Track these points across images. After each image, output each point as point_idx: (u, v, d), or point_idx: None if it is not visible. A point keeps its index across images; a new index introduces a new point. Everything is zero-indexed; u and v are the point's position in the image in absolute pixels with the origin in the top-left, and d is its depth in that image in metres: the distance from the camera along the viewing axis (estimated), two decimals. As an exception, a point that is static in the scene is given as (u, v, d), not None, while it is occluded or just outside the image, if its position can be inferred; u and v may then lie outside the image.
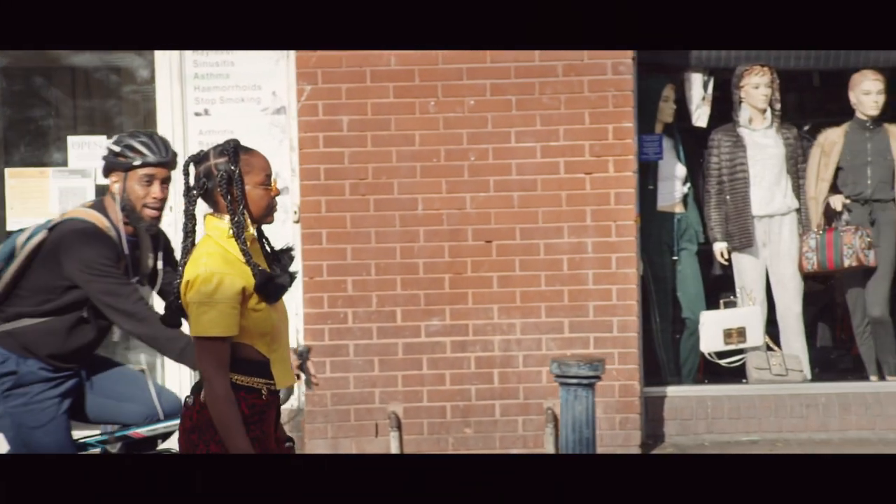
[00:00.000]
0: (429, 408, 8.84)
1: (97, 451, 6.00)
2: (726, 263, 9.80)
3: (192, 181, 4.70)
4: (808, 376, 9.79)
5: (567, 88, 8.85)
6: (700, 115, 10.06)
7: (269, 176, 4.71)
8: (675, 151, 9.80)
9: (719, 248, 9.69)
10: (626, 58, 8.83)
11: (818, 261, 9.68)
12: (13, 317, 5.83)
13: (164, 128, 9.19)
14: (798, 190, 9.78)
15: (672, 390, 9.45)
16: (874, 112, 9.61)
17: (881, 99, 9.65)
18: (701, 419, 9.36)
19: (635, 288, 8.96)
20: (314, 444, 8.87)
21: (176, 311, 4.74)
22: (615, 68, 8.86)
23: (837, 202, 9.67)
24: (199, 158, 4.71)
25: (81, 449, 6.01)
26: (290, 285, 4.75)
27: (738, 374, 9.66)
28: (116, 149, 5.84)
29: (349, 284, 8.82)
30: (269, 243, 4.84)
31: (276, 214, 4.85)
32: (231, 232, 4.62)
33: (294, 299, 9.07)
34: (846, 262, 9.54)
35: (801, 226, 9.69)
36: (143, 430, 5.92)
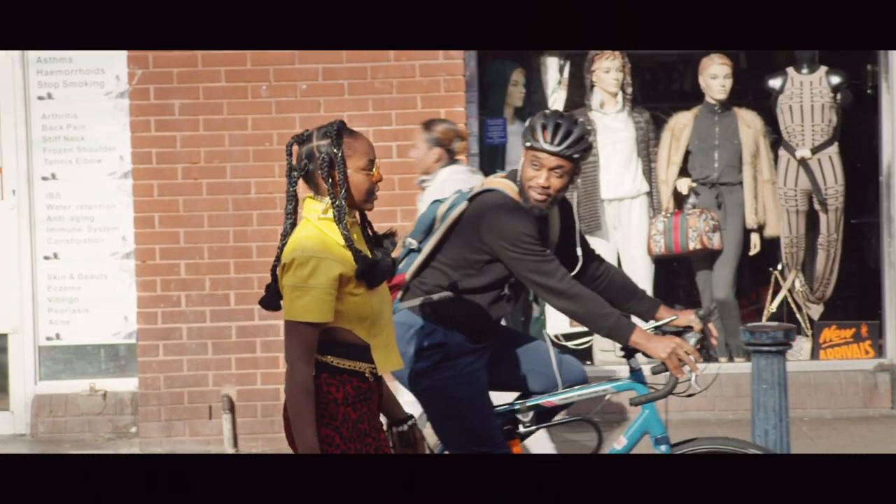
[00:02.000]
0: (262, 391, 8.36)
1: (504, 419, 5.51)
2: None
3: (294, 162, 4.39)
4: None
5: (399, 73, 8.38)
6: (556, 100, 9.70)
7: (371, 161, 4.39)
8: None
9: None
10: (457, 42, 8.48)
11: (665, 244, 9.28)
12: (433, 289, 5.34)
13: (6, 112, 8.74)
14: (650, 173, 9.39)
15: None
16: (722, 96, 9.13)
17: (728, 83, 9.15)
18: None
19: None
20: (147, 426, 8.43)
21: (274, 293, 4.42)
22: (447, 53, 8.34)
23: (683, 185, 9.19)
24: (302, 139, 4.39)
25: (497, 419, 5.53)
26: (393, 271, 4.52)
27: (588, 356, 9.39)
28: (526, 124, 5.36)
29: (182, 268, 8.36)
30: (370, 227, 4.52)
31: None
32: (331, 215, 4.33)
33: (127, 283, 8.87)
34: (691, 245, 9.10)
35: (653, 209, 9.32)
36: (555, 399, 5.45)
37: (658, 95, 10.04)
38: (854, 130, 9.43)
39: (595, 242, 9.19)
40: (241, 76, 8.39)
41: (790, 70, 9.18)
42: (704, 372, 5.38)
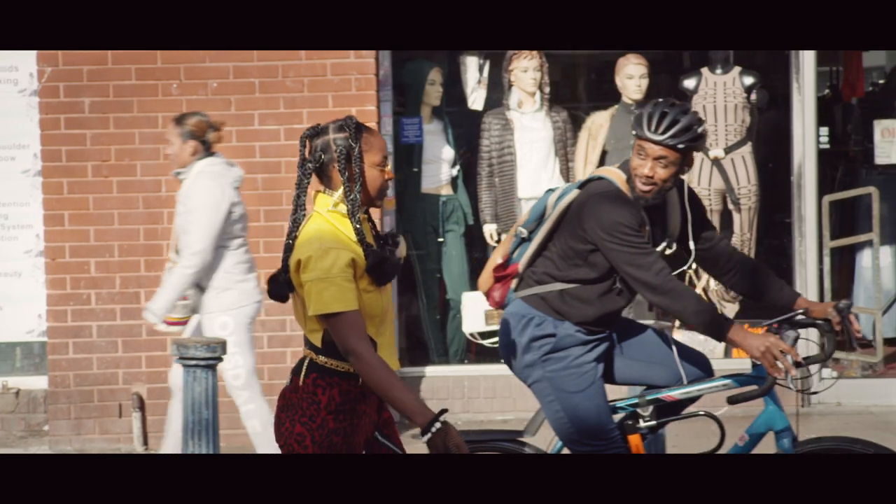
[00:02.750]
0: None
1: (625, 414, 5.30)
2: (496, 245, 9.41)
3: (307, 154, 4.28)
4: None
5: (310, 72, 8.20)
6: (476, 99, 9.55)
7: (385, 157, 4.32)
8: (445, 135, 9.18)
9: (489, 229, 9.06)
10: (368, 41, 8.37)
11: None
12: (543, 278, 5.16)
13: (-82, 109, 8.76)
14: (567, 172, 9.24)
15: (430, 370, 8.81)
16: (638, 96, 8.96)
17: (644, 83, 9.00)
18: (458, 399, 8.74)
19: None
20: (57, 424, 8.25)
21: (283, 284, 4.28)
22: (358, 52, 8.17)
23: None
24: (316, 132, 4.29)
25: (613, 412, 5.29)
26: (399, 269, 4.36)
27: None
28: (636, 113, 5.15)
29: (92, 266, 8.18)
30: (375, 226, 4.43)
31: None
32: (344, 209, 4.23)
33: (41, 281, 8.75)
34: None
35: None
36: (675, 393, 5.23)
37: (576, 95, 9.96)
38: (770, 130, 9.37)
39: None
40: (151, 74, 8.20)
41: (704, 70, 9.08)
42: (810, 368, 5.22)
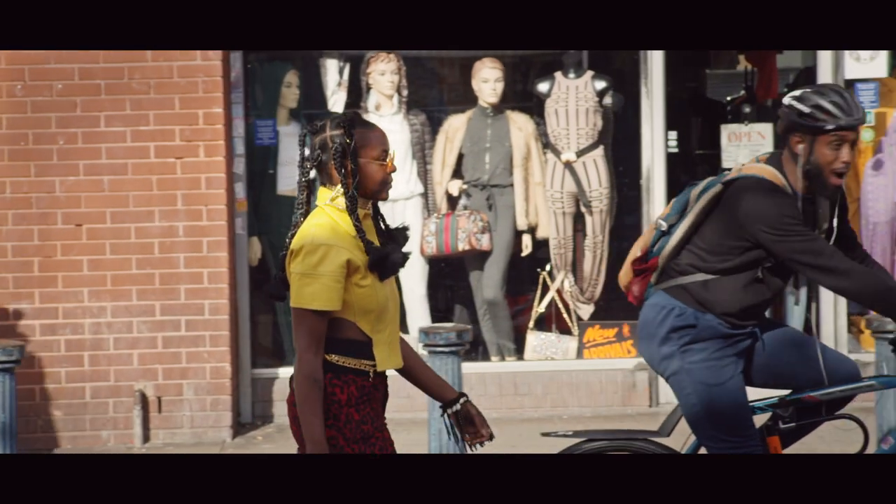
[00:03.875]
0: (18, 390, 8.20)
1: (767, 414, 5.08)
2: None
3: (307, 152, 4.21)
4: (431, 356, 9.31)
5: (157, 73, 7.98)
6: (336, 101, 9.49)
7: (385, 151, 4.21)
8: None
9: None
10: (214, 43, 8.26)
11: (437, 244, 9.07)
12: (687, 270, 4.99)
13: None
14: (425, 175, 9.07)
15: (284, 371, 8.60)
16: (493, 99, 8.83)
17: (499, 87, 8.85)
18: None
19: (226, 271, 8.15)
20: None
21: (279, 282, 4.20)
22: (204, 54, 7.98)
23: (454, 187, 8.99)
24: (316, 129, 4.20)
25: (752, 412, 5.04)
26: (403, 264, 4.24)
27: None
28: (805, 109, 4.82)
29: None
30: (383, 220, 4.31)
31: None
32: (344, 205, 4.15)
33: None
34: (460, 246, 8.81)
35: (428, 210, 9.01)
36: (817, 394, 4.99)
37: (434, 98, 9.88)
38: (625, 134, 9.33)
39: (370, 243, 9.09)
40: (-6, 75, 8.09)
41: (558, 74, 8.98)
42: None
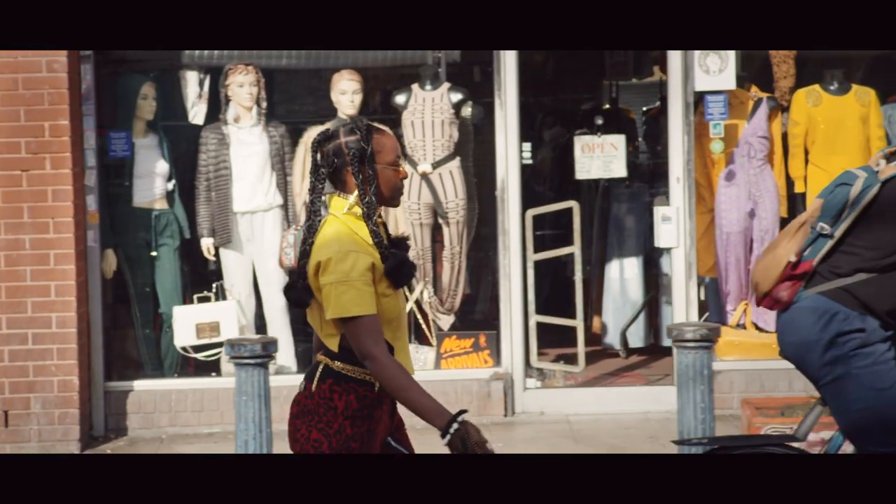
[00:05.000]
0: None
1: None
2: (214, 259, 8.98)
3: (319, 159, 4.12)
4: (294, 368, 9.24)
5: (2, 86, 7.75)
6: (196, 113, 9.32)
7: (398, 156, 4.16)
8: (160, 149, 8.72)
9: (206, 243, 8.68)
10: (60, 56, 7.86)
11: (295, 256, 9.07)
12: (849, 272, 4.81)
13: None
14: (285, 186, 8.85)
15: (138, 384, 8.39)
16: (351, 111, 8.59)
17: (357, 98, 8.65)
18: (164, 412, 8.32)
19: (74, 284, 7.89)
20: None
21: (303, 291, 4.10)
22: (49, 66, 7.74)
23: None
24: (327, 136, 4.13)
25: None
26: (414, 272, 4.20)
27: (215, 368, 8.70)
28: None
29: None
30: (386, 228, 4.22)
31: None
32: (360, 212, 4.07)
33: None
34: None
35: (288, 222, 8.85)
36: None
37: (295, 110, 9.77)
38: (483, 145, 9.26)
39: (230, 255, 8.97)
40: None
41: (415, 87, 8.83)
42: None
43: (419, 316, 8.91)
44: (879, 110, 8.90)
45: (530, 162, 9.37)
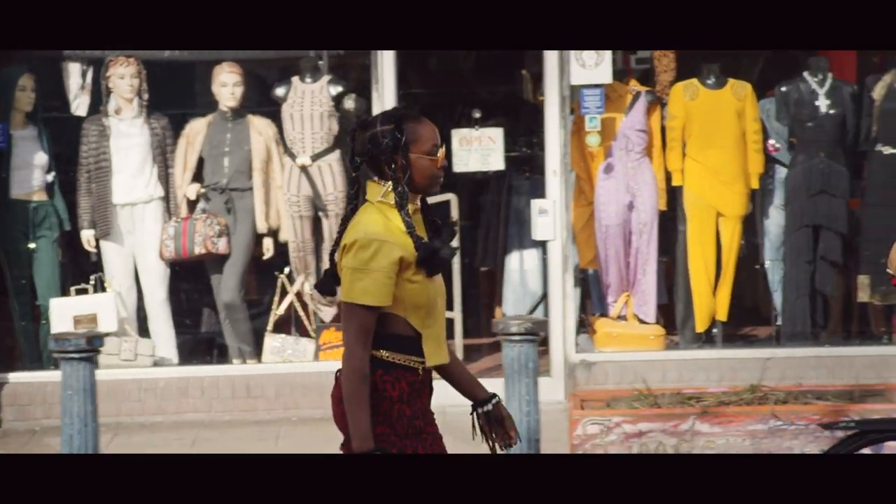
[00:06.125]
0: None
1: None
2: (94, 251, 8.78)
3: (357, 147, 4.05)
4: (176, 360, 9.19)
5: None
6: (79, 105, 9.15)
7: (436, 145, 4.05)
8: (39, 140, 8.54)
9: (86, 235, 8.56)
10: None
11: (175, 248, 8.73)
12: None
13: None
14: (167, 178, 8.71)
15: (13, 376, 8.32)
16: (232, 103, 8.54)
17: (238, 91, 8.56)
18: (39, 404, 8.21)
19: None
20: None
21: (331, 277, 4.07)
22: None
23: (192, 191, 8.66)
24: (365, 124, 4.05)
25: None
26: (451, 259, 4.10)
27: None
28: None
29: None
30: (431, 215, 4.14)
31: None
32: (394, 201, 3.98)
33: None
34: (196, 250, 8.46)
35: (169, 214, 8.68)
36: None
37: (177, 102, 9.67)
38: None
39: (109, 247, 8.87)
40: None
41: (294, 79, 8.71)
42: None
43: (299, 308, 8.85)
44: (756, 104, 8.90)
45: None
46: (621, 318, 8.98)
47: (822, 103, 8.78)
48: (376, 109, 8.62)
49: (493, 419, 4.22)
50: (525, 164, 9.64)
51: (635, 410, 5.16)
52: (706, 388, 6.05)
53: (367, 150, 4.04)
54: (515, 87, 10.08)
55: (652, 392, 5.73)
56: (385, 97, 8.61)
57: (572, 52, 8.54)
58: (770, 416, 5.25)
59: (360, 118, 4.17)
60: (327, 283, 4.12)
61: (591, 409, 5.56)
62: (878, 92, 8.69)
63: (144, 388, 8.47)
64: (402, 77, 8.73)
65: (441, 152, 4.08)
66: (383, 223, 4.00)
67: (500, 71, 9.94)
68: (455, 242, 4.23)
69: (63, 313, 8.55)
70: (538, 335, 6.00)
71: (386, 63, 8.59)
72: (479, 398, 4.23)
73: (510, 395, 5.69)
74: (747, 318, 9.49)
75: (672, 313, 9.12)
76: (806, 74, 8.85)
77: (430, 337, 4.07)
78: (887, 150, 8.66)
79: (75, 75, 8.97)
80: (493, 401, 4.23)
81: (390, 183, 4.02)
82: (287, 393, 8.59)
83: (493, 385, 8.33)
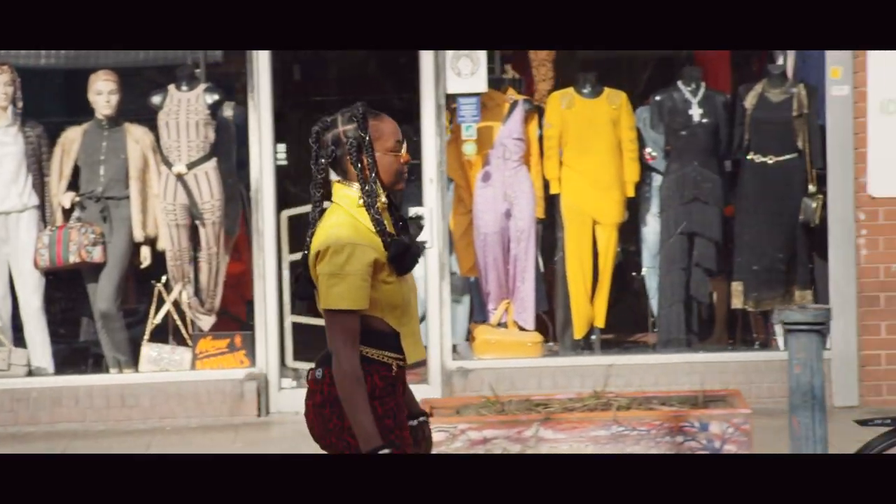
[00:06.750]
0: None
1: None
2: None
3: (319, 149, 3.98)
4: (51, 370, 9.06)
5: None
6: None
7: (399, 141, 4.00)
8: None
9: None
10: None
11: (49, 257, 8.66)
12: None
13: None
14: (42, 187, 8.57)
15: None
16: (107, 111, 8.45)
17: (114, 98, 8.47)
18: None
19: None
20: None
21: (305, 282, 4.00)
22: None
23: (67, 200, 8.52)
24: (327, 125, 3.99)
25: None
26: (420, 255, 4.07)
27: None
28: None
29: None
30: (398, 211, 4.09)
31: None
32: (362, 201, 3.94)
33: None
34: (71, 259, 8.32)
35: (45, 222, 8.55)
36: None
37: (52, 110, 9.56)
38: (244, 146, 9.13)
39: (-16, 256, 8.73)
40: None
41: (171, 87, 8.60)
42: None
43: (176, 317, 8.78)
44: (631, 113, 8.95)
45: (285, 163, 9.28)
46: (501, 325, 9.00)
47: (696, 112, 8.84)
48: (252, 119, 8.60)
49: (415, 436, 4.21)
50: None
51: (481, 417, 5.16)
52: (554, 395, 6.06)
53: (330, 151, 4.01)
54: (390, 95, 10.08)
55: (500, 399, 5.74)
56: (261, 106, 8.58)
57: (448, 62, 8.54)
58: (612, 421, 5.30)
59: (321, 120, 4.09)
60: (303, 287, 4.08)
61: (440, 417, 5.56)
62: (749, 101, 8.77)
63: (17, 399, 8.36)
64: (280, 85, 8.67)
65: (405, 147, 4.07)
66: (352, 225, 3.97)
67: (375, 78, 9.94)
68: (423, 237, 4.24)
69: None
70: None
71: (262, 71, 8.56)
72: (410, 412, 4.20)
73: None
74: (626, 324, 9.55)
75: (553, 320, 9.16)
76: (680, 84, 8.91)
77: (408, 335, 4.06)
78: (758, 159, 8.74)
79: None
80: (420, 419, 4.22)
81: (356, 183, 3.99)
82: (162, 402, 8.52)
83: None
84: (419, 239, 4.19)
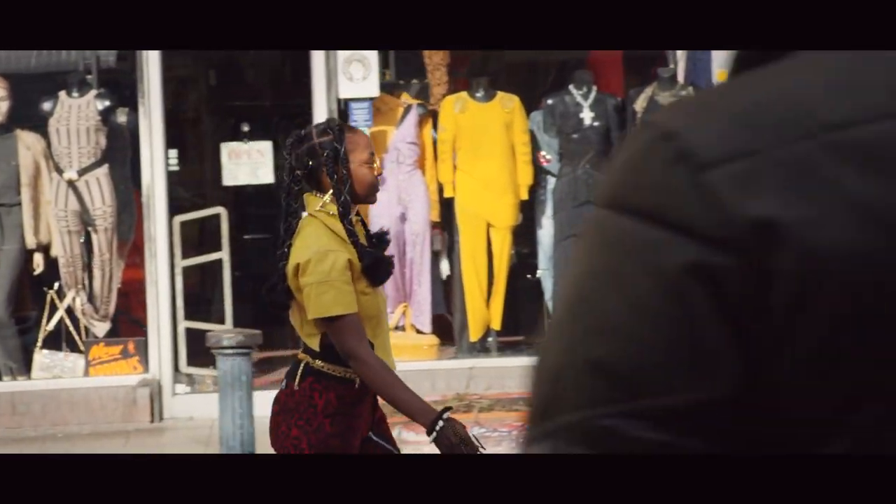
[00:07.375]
0: None
1: None
2: None
3: (294, 161, 3.98)
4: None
5: None
6: None
7: (372, 154, 4.04)
8: None
9: None
10: None
11: None
12: None
13: None
14: None
15: None
16: None
17: (4, 105, 8.40)
18: None
19: None
20: None
21: (282, 293, 3.96)
22: None
23: None
24: (300, 138, 4.00)
25: None
26: (392, 268, 4.07)
27: None
28: None
29: None
30: (366, 224, 4.15)
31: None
32: (335, 211, 3.93)
33: None
34: None
35: None
36: None
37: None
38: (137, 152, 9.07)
39: None
40: None
41: (62, 94, 8.59)
42: None
43: (69, 323, 8.71)
44: (524, 116, 8.99)
45: (177, 168, 9.24)
46: (399, 328, 8.99)
47: (587, 115, 8.89)
48: (143, 124, 8.55)
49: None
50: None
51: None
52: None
53: (305, 163, 4.00)
54: (285, 101, 10.06)
55: (368, 401, 5.73)
56: (152, 112, 8.53)
57: (340, 66, 8.54)
58: (474, 423, 5.29)
59: (293, 133, 4.11)
60: (281, 298, 4.05)
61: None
62: (640, 104, 8.83)
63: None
64: (170, 91, 8.62)
65: (377, 161, 4.10)
66: (328, 234, 3.98)
67: (271, 84, 9.92)
68: (390, 250, 4.25)
69: None
70: (251, 348, 5.96)
71: (153, 75, 8.51)
72: (377, 431, 4.19)
73: (223, 408, 5.65)
74: (523, 326, 9.57)
75: (451, 323, 9.17)
76: (571, 87, 8.96)
77: (380, 346, 4.03)
78: (648, 161, 8.79)
79: None
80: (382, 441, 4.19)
81: (330, 194, 3.99)
82: (54, 409, 8.44)
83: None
84: (387, 253, 4.20)
